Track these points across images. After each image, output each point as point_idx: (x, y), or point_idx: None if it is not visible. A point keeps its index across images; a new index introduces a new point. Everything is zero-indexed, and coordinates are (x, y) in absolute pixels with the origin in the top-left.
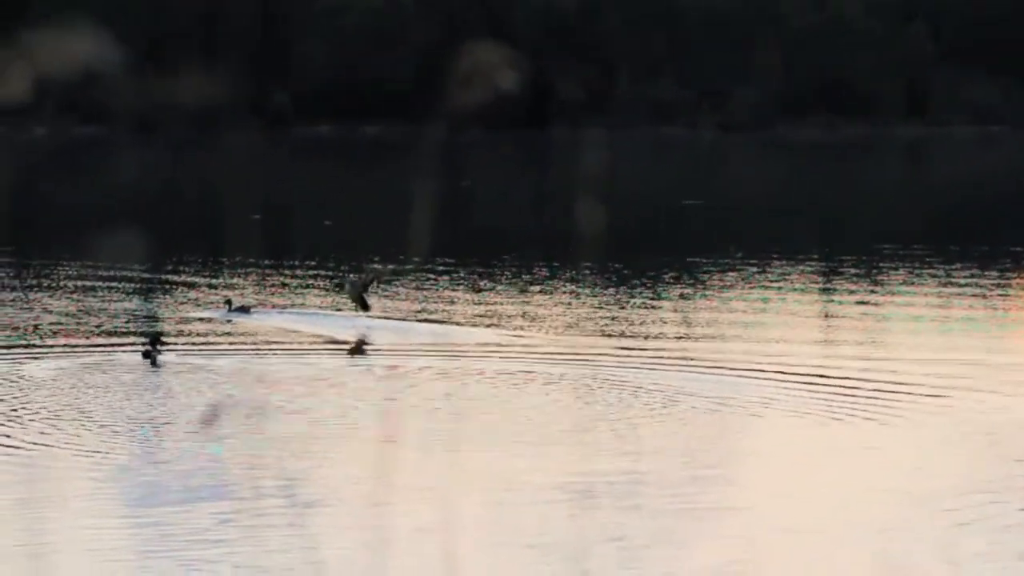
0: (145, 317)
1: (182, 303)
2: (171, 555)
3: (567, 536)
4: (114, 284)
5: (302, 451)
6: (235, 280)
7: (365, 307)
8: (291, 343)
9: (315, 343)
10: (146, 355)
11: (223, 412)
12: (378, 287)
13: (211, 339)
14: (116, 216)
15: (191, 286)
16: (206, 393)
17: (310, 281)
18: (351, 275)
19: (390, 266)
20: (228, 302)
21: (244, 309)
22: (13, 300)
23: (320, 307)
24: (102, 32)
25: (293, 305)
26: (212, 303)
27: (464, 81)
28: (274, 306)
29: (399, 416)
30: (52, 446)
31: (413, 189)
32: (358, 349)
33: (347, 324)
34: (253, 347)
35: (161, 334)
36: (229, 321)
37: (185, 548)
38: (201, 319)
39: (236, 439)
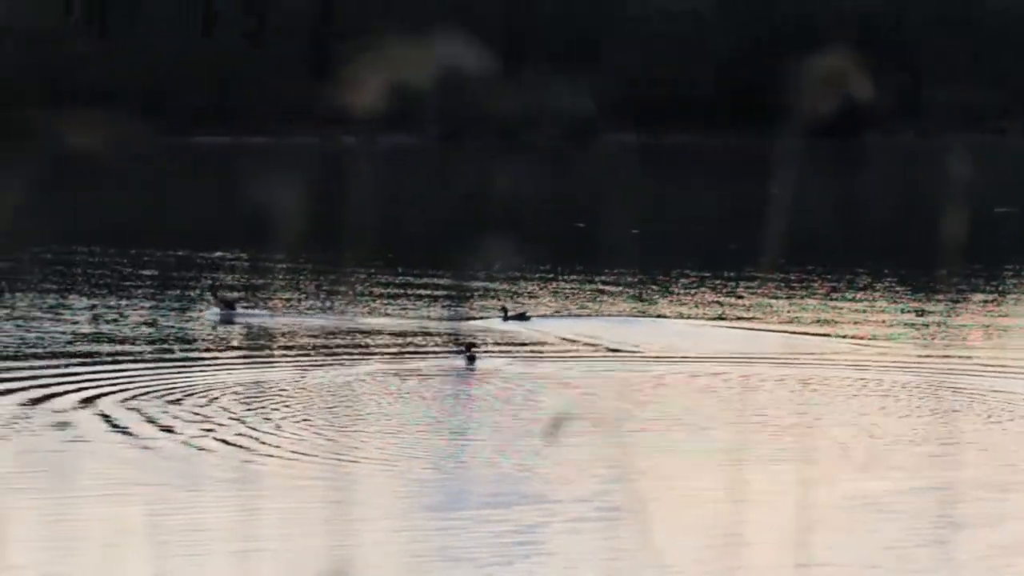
0: (444, 324)
1: (481, 311)
2: (473, 560)
3: (907, 544)
4: (424, 292)
5: (634, 459)
6: (534, 288)
7: (230, 307)
8: (598, 351)
9: (629, 351)
10: (470, 359)
11: (562, 419)
12: None
13: (525, 345)
14: (434, 225)
15: (488, 293)
16: (525, 400)
17: (607, 288)
18: (229, 294)
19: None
20: (504, 310)
21: (522, 316)
22: (333, 308)
23: (613, 314)
24: (462, 40)
25: (582, 311)
26: (491, 310)
27: (816, 89)
28: (559, 312)
29: (734, 424)
30: (365, 451)
31: (721, 196)
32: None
33: (644, 330)
34: (566, 354)
35: (475, 341)
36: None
37: (486, 554)
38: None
39: (569, 446)
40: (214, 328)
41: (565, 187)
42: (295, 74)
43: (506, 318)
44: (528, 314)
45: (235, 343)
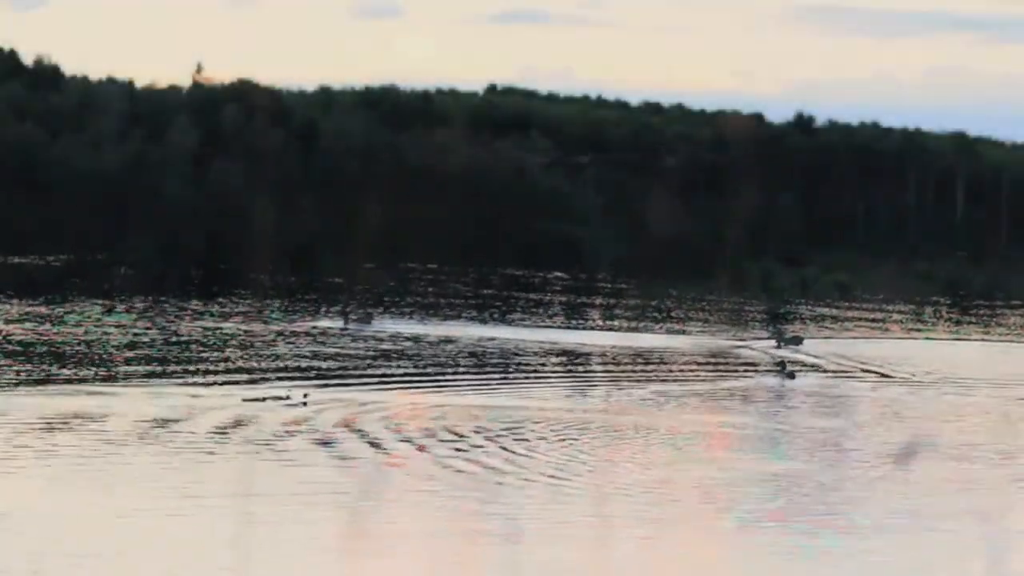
0: (720, 347)
1: (757, 335)
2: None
3: None
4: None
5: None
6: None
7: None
8: (918, 375)
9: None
10: (790, 375)
11: (917, 445)
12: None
13: (833, 366)
14: None
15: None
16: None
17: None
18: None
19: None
20: (779, 332)
21: (796, 340)
22: (649, 327)
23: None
24: None
25: (858, 335)
26: (767, 334)
27: None
28: (833, 336)
29: None
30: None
31: None
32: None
33: (933, 354)
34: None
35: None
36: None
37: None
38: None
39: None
40: (541, 352)
41: None
42: None
43: (780, 342)
44: (802, 337)
45: (556, 362)
